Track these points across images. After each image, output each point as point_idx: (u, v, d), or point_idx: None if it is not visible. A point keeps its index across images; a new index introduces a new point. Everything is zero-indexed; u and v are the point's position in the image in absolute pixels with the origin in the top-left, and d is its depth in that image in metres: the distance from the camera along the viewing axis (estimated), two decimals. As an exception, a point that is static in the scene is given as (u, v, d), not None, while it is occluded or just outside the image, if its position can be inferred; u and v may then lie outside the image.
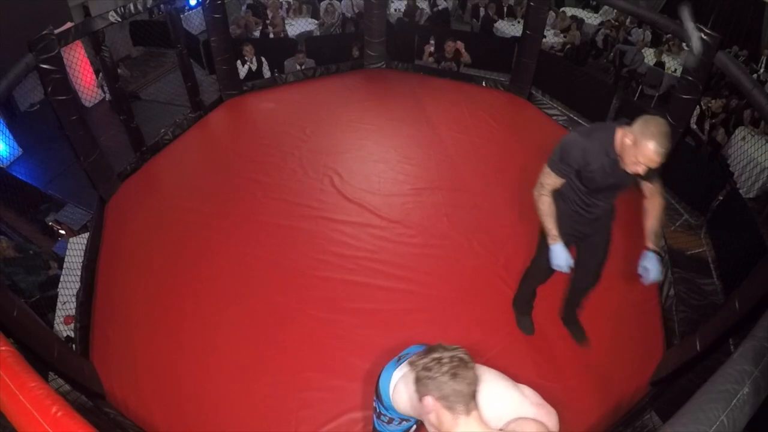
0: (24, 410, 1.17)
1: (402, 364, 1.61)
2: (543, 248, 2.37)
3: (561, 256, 2.12)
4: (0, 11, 5.40)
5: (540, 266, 2.46)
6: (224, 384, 2.66)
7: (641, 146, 1.72)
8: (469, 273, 3.30)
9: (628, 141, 1.78)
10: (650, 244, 2.05)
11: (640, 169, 1.79)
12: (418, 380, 1.22)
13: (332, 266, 3.33)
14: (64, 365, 2.38)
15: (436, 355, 1.20)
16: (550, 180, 2.06)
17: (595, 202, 2.10)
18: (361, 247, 3.48)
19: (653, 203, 2.05)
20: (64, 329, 3.09)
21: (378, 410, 1.71)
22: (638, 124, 1.75)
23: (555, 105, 5.29)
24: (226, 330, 2.94)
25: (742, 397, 1.07)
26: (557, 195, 2.13)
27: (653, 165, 1.75)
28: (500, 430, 1.28)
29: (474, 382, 1.19)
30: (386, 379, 1.63)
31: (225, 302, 3.10)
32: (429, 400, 1.20)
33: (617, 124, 1.87)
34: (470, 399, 1.18)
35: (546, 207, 2.10)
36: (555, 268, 2.18)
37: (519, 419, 1.31)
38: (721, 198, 4.16)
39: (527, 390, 1.49)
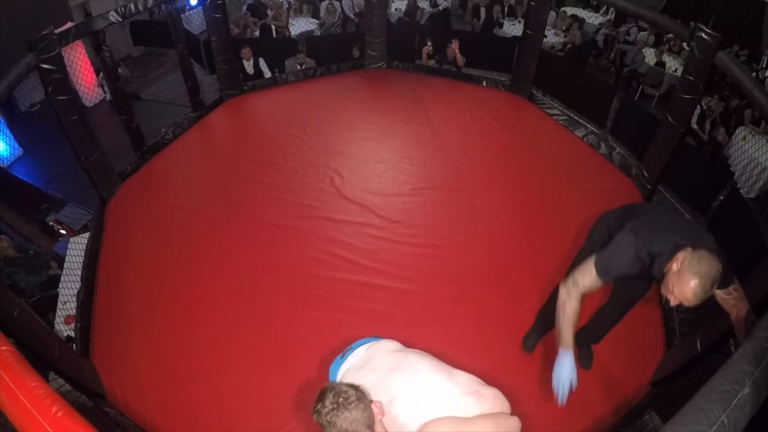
0: (24, 410, 1.17)
1: (347, 358, 1.70)
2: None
3: (566, 368, 1.73)
4: (0, 11, 5.41)
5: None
6: (224, 383, 2.66)
7: (682, 279, 1.56)
8: (469, 273, 3.29)
9: (674, 267, 1.62)
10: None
11: (672, 300, 1.62)
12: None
13: (333, 266, 3.33)
14: (65, 365, 2.39)
15: (319, 403, 1.33)
16: (591, 285, 1.75)
17: None
18: (361, 247, 3.48)
19: (732, 310, 1.79)
20: (65, 329, 3.10)
21: None
22: (693, 257, 1.57)
23: (555, 105, 5.29)
24: (226, 329, 2.94)
25: (743, 397, 1.07)
26: (604, 227, 2.04)
27: (686, 303, 1.59)
28: None
29: (357, 419, 1.29)
30: (333, 373, 1.73)
31: (225, 302, 3.10)
32: None
33: (685, 243, 1.65)
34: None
35: (572, 314, 1.76)
36: (554, 382, 1.76)
37: (429, 423, 1.41)
38: (721, 198, 4.16)
39: (462, 378, 1.55)
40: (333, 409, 1.29)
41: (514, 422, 1.49)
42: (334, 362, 1.76)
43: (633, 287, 2.26)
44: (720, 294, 1.77)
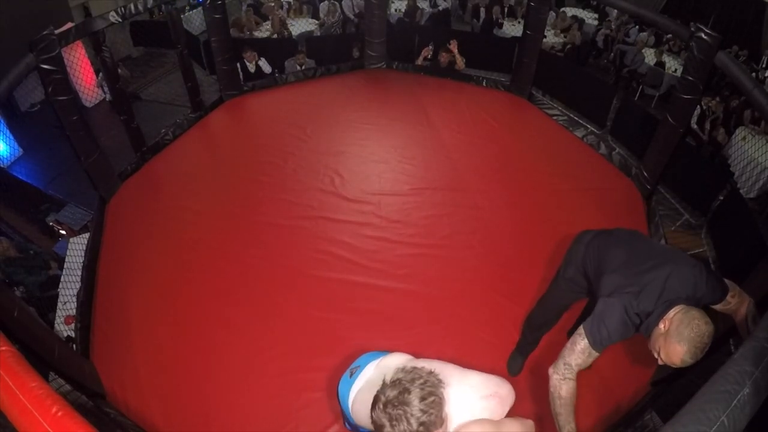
0: (24, 410, 1.17)
1: (357, 378, 1.61)
2: (553, 289, 2.25)
3: None
4: (0, 11, 5.41)
5: (545, 311, 2.36)
6: (224, 383, 2.66)
7: (669, 344, 1.48)
8: (469, 273, 3.30)
9: (662, 327, 1.53)
10: None
11: (659, 360, 1.54)
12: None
13: (332, 266, 3.33)
14: (65, 365, 2.39)
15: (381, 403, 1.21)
16: (585, 360, 1.64)
17: None
18: (361, 247, 3.48)
19: (734, 313, 1.73)
20: (65, 329, 3.10)
21: (345, 422, 1.73)
22: (683, 319, 1.47)
23: (555, 105, 5.29)
24: (226, 329, 2.94)
25: (743, 397, 1.07)
26: (580, 266, 1.97)
27: (671, 365, 1.52)
28: None
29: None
30: (344, 394, 1.63)
31: (225, 302, 3.10)
32: None
33: (675, 299, 1.56)
34: None
35: (571, 397, 1.64)
36: None
37: (464, 425, 1.36)
38: (721, 198, 4.17)
39: (475, 379, 1.50)
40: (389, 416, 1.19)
41: (529, 424, 1.50)
42: (342, 380, 1.69)
43: None
44: (718, 307, 1.74)
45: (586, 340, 1.61)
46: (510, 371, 2.70)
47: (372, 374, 1.60)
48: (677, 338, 1.46)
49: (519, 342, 2.69)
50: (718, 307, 1.73)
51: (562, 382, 1.64)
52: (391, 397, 1.19)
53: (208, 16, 4.76)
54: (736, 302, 1.74)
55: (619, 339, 1.62)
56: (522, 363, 2.69)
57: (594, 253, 1.90)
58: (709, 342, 1.46)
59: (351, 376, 1.66)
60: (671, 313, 1.54)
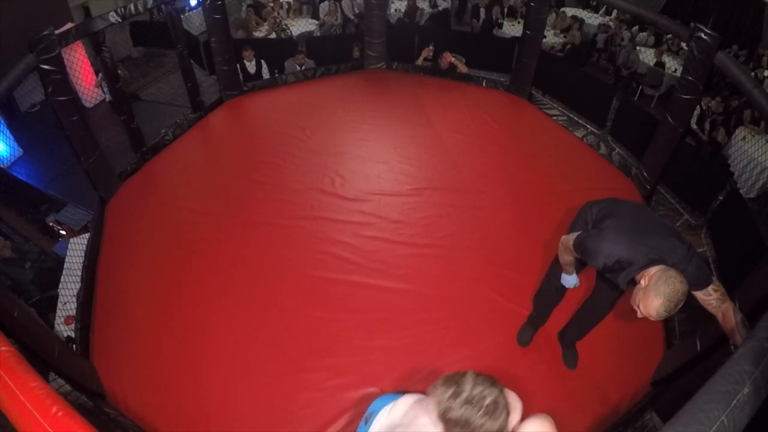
0: (24, 410, 1.17)
1: (372, 424, 1.65)
2: (554, 269, 2.39)
3: (569, 280, 2.28)
4: (0, 11, 5.41)
5: (550, 285, 2.47)
6: (224, 384, 2.66)
7: (647, 297, 1.62)
8: (468, 273, 3.30)
9: (643, 282, 1.67)
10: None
11: (638, 313, 1.68)
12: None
13: (332, 266, 3.33)
14: (65, 365, 2.39)
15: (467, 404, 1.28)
16: (573, 253, 2.01)
17: None
18: (361, 247, 3.48)
19: (717, 312, 1.78)
20: (65, 329, 3.09)
21: None
22: (661, 276, 1.61)
23: (555, 105, 5.30)
24: (226, 330, 2.94)
25: (742, 397, 1.07)
26: (584, 222, 2.09)
27: (649, 318, 1.65)
28: None
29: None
30: None
31: (225, 302, 3.10)
32: None
33: (657, 258, 1.69)
34: None
35: (570, 260, 2.10)
36: (563, 283, 2.31)
37: (525, 424, 1.40)
38: (721, 198, 4.17)
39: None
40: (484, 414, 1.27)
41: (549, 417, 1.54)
42: (359, 429, 1.75)
43: (611, 293, 2.25)
44: (699, 295, 1.76)
45: (575, 240, 1.94)
46: (519, 342, 2.81)
47: (385, 421, 1.65)
48: (654, 292, 1.60)
49: (530, 315, 2.79)
50: (698, 295, 1.77)
51: (565, 249, 2.05)
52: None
53: (208, 17, 4.77)
54: (716, 299, 1.75)
55: (596, 261, 1.83)
56: (531, 335, 2.80)
57: (596, 214, 2.03)
58: (683, 299, 1.58)
59: (366, 422, 1.71)
60: (652, 269, 1.67)
